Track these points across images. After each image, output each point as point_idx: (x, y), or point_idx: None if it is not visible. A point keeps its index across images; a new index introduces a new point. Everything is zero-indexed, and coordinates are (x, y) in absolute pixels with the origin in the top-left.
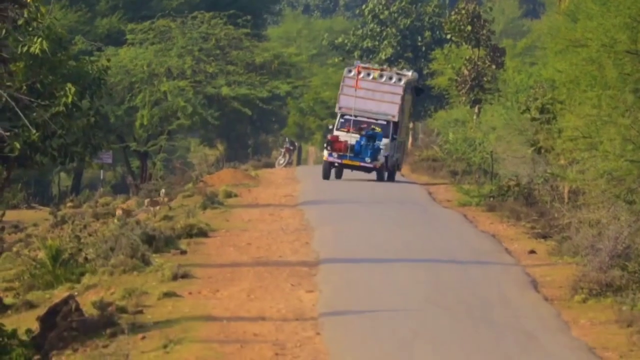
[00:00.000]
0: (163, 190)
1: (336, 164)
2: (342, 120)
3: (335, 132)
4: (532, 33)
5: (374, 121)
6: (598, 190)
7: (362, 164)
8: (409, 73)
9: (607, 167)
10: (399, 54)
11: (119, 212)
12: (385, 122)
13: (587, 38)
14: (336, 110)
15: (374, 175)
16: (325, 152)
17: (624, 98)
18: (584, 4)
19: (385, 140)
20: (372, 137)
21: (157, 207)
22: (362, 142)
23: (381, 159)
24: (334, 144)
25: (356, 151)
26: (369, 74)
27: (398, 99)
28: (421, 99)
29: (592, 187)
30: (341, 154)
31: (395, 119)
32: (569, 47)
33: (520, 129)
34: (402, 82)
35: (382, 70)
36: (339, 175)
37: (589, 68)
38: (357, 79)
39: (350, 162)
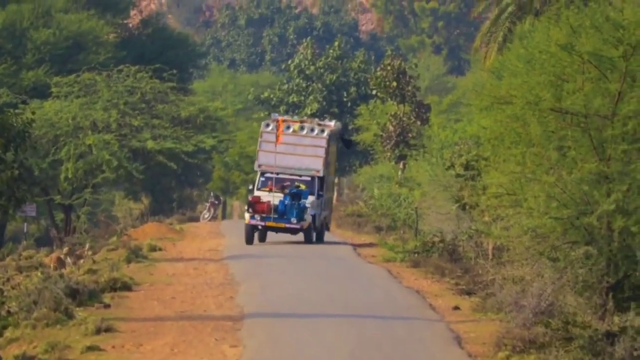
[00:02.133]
0: (87, 245)
1: (259, 227)
2: (263, 178)
3: (257, 193)
4: (457, 90)
5: (297, 178)
6: (522, 247)
7: (287, 225)
8: (332, 123)
9: (531, 224)
10: (325, 109)
11: (52, 262)
12: (309, 178)
13: (512, 95)
14: (255, 168)
15: (301, 236)
16: (247, 215)
17: (548, 155)
18: (509, 62)
19: (311, 198)
20: (297, 196)
21: (81, 261)
22: (287, 202)
23: (308, 218)
24: (255, 206)
25: (280, 212)
26: (288, 127)
27: (322, 152)
28: (347, 152)
29: (516, 244)
30: (264, 215)
31: (320, 174)
32: (493, 104)
33: (445, 185)
34: (325, 134)
35: (302, 122)
36: (262, 239)
37: (514, 125)
38: (279, 133)
39: (274, 224)
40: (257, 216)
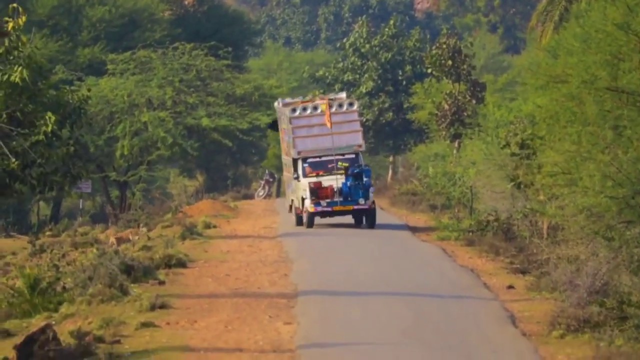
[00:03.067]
0: (142, 227)
1: (325, 213)
2: (306, 165)
3: (309, 180)
4: (512, 68)
5: (340, 157)
6: (577, 226)
7: (355, 207)
8: (343, 95)
9: (587, 203)
10: (380, 87)
11: (112, 239)
12: (353, 155)
13: (568, 74)
14: (294, 156)
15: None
16: (308, 203)
17: (604, 135)
18: (565, 41)
19: (370, 175)
20: (359, 175)
21: (136, 237)
22: (350, 183)
23: (372, 197)
24: (318, 192)
25: (345, 194)
26: (315, 108)
27: (357, 125)
28: (402, 133)
29: (571, 223)
30: (329, 200)
31: (363, 148)
32: (549, 83)
33: (500, 164)
34: (355, 106)
35: (311, 100)
36: (310, 224)
37: (569, 104)
38: (329, 114)
39: (342, 208)
40: (322, 202)
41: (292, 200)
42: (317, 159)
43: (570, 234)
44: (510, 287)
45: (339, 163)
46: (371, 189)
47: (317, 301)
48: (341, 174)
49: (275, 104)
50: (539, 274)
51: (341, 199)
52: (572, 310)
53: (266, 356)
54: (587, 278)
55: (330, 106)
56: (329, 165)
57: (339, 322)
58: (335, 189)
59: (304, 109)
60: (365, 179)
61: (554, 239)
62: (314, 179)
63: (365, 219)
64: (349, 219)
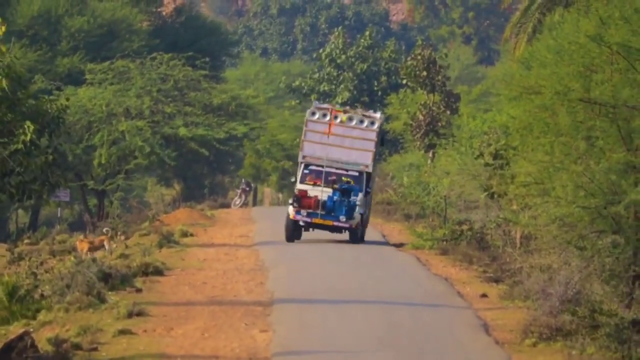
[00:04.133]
0: (106, 229)
1: (302, 223)
2: (307, 171)
3: (300, 186)
4: (486, 80)
5: (344, 172)
6: (550, 235)
7: (335, 223)
8: (378, 115)
9: (559, 213)
10: (356, 97)
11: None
12: (357, 173)
13: (541, 85)
14: (299, 159)
15: (341, 236)
16: (291, 209)
17: (577, 145)
18: (538, 52)
19: (359, 195)
20: (347, 192)
21: (113, 245)
22: (336, 198)
23: (357, 217)
24: (302, 200)
25: (328, 208)
26: (336, 117)
27: (372, 146)
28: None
29: (544, 233)
30: (310, 211)
31: (369, 169)
32: (522, 94)
33: (474, 174)
34: (376, 126)
35: (345, 111)
36: (297, 236)
37: (543, 115)
38: (331, 123)
39: (321, 222)
40: (303, 211)
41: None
42: (319, 168)
43: (543, 243)
44: (484, 295)
45: (343, 178)
46: (358, 209)
47: (293, 309)
48: (329, 187)
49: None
50: (512, 283)
51: (323, 212)
52: (544, 318)
53: None
54: (560, 287)
55: (350, 119)
56: (329, 177)
57: (315, 330)
58: (319, 201)
59: (324, 115)
60: (352, 197)
61: (526, 248)
62: (303, 187)
63: (349, 235)
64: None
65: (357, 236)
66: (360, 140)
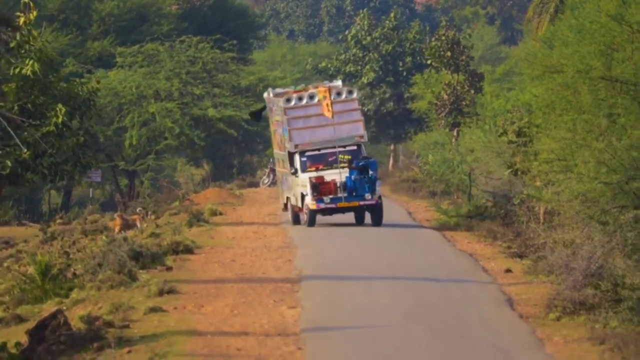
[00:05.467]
0: (139, 209)
1: (327, 210)
2: (304, 158)
3: (306, 175)
4: (509, 59)
5: (341, 149)
6: (572, 211)
7: (361, 202)
8: (339, 83)
9: (582, 189)
10: (381, 78)
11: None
12: (355, 147)
13: (563, 64)
14: (291, 149)
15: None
16: (310, 200)
17: (598, 122)
18: (560, 32)
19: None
20: (364, 168)
21: (144, 224)
22: (354, 177)
23: (379, 191)
24: (320, 187)
25: (350, 189)
26: (311, 97)
27: (358, 115)
28: (403, 122)
29: (567, 208)
30: (332, 196)
31: (365, 139)
32: (545, 72)
33: (498, 152)
34: (355, 94)
35: (304, 90)
36: (312, 222)
37: (565, 93)
38: (326, 103)
39: (347, 204)
40: (325, 199)
41: (288, 198)
42: (317, 152)
43: (566, 218)
44: (508, 270)
45: (340, 156)
46: (378, 183)
47: (321, 286)
48: (344, 167)
49: (265, 94)
50: (536, 258)
51: (345, 195)
52: (568, 292)
53: (271, 339)
54: (583, 261)
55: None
56: (330, 159)
57: (342, 306)
58: (338, 184)
59: (299, 98)
60: (371, 172)
61: (550, 224)
62: (315, 174)
63: (371, 216)
64: (349, 217)
65: (381, 214)
66: (345, 113)
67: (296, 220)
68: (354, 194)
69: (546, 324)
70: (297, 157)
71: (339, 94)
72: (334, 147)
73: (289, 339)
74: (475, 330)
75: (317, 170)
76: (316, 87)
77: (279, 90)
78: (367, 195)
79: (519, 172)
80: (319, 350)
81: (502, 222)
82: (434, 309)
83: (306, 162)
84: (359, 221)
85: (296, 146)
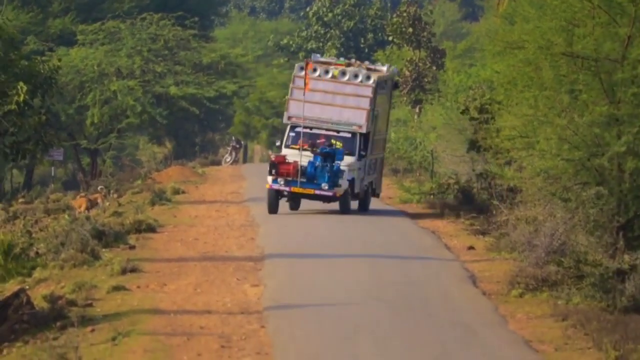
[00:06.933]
0: (100, 187)
1: (285, 193)
2: (293, 134)
3: (284, 151)
4: (471, 35)
5: (334, 134)
6: (535, 188)
7: (317, 191)
8: (384, 68)
9: (544, 166)
10: (342, 54)
11: (82, 205)
12: (349, 135)
13: (524, 40)
14: (284, 120)
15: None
16: (269, 178)
17: (560, 99)
18: (521, 8)
19: (348, 159)
20: (329, 156)
21: (106, 203)
22: (317, 163)
23: (343, 184)
24: (279, 167)
25: (309, 175)
26: (327, 72)
27: (366, 103)
28: None
29: (529, 185)
30: (289, 179)
31: (363, 130)
32: (506, 49)
33: (460, 129)
34: (371, 81)
35: (348, 65)
36: (294, 206)
37: (526, 69)
38: (307, 77)
39: (301, 190)
40: (280, 180)
41: None
42: (307, 130)
43: (529, 195)
44: (471, 248)
45: (332, 141)
46: (345, 175)
47: (283, 264)
48: (311, 151)
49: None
50: (499, 235)
51: (303, 180)
52: (530, 269)
53: (234, 318)
54: (545, 238)
55: (344, 73)
56: (318, 141)
57: (305, 284)
58: (298, 167)
59: (315, 69)
60: (336, 162)
61: (512, 201)
62: (286, 152)
63: (340, 205)
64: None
65: (347, 206)
66: (353, 97)
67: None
68: (315, 181)
69: (509, 301)
70: (287, 130)
71: (356, 75)
72: (327, 130)
73: (252, 317)
74: (438, 308)
75: (300, 149)
76: (359, 65)
77: (321, 59)
78: (324, 185)
79: (481, 149)
80: (282, 328)
81: (464, 199)
82: (397, 287)
83: (295, 137)
84: (342, 209)
85: (289, 118)
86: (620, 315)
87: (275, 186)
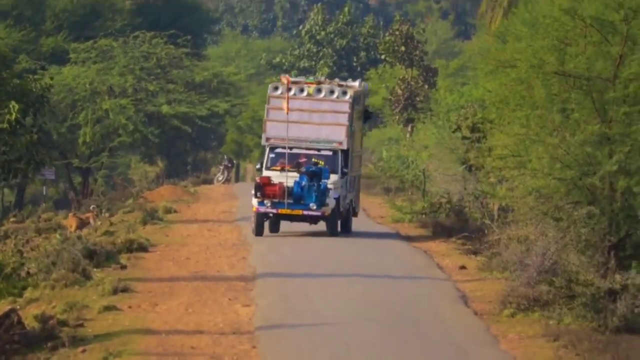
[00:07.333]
0: (92, 207)
1: (270, 215)
2: (273, 155)
3: (266, 172)
4: (463, 54)
5: (315, 152)
6: (526, 207)
7: (305, 212)
8: (356, 83)
9: (536, 185)
10: (335, 73)
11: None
12: (330, 152)
13: (517, 59)
14: (263, 142)
15: (322, 226)
16: (254, 201)
17: (552, 118)
18: (514, 26)
19: (333, 177)
20: (315, 175)
21: (98, 222)
22: (303, 183)
23: (331, 203)
24: (264, 188)
25: (296, 195)
26: (302, 90)
27: (344, 119)
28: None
29: (521, 204)
30: (276, 201)
31: (344, 146)
32: (498, 67)
33: (452, 148)
34: (348, 96)
35: (318, 83)
36: (274, 229)
37: (518, 88)
38: (287, 97)
39: (289, 212)
40: (267, 202)
41: None
42: (288, 151)
43: (520, 214)
44: (463, 267)
45: (313, 159)
46: (331, 194)
47: (275, 283)
48: (297, 172)
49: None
50: (490, 255)
51: (290, 201)
52: (522, 289)
53: (226, 338)
54: (537, 258)
55: (319, 91)
56: (299, 161)
57: (297, 304)
58: (284, 188)
59: (289, 89)
60: (323, 181)
61: (504, 220)
62: (268, 173)
63: (328, 226)
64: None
65: (335, 226)
66: (331, 114)
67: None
68: (300, 202)
69: (501, 321)
70: (266, 152)
71: (332, 92)
72: (307, 149)
73: (244, 337)
74: (430, 328)
75: (281, 170)
76: (330, 82)
77: (297, 79)
78: (312, 205)
79: (473, 168)
80: (273, 348)
81: (456, 218)
82: (389, 307)
83: (275, 159)
84: (331, 232)
85: (268, 139)
86: (612, 335)
87: (262, 209)
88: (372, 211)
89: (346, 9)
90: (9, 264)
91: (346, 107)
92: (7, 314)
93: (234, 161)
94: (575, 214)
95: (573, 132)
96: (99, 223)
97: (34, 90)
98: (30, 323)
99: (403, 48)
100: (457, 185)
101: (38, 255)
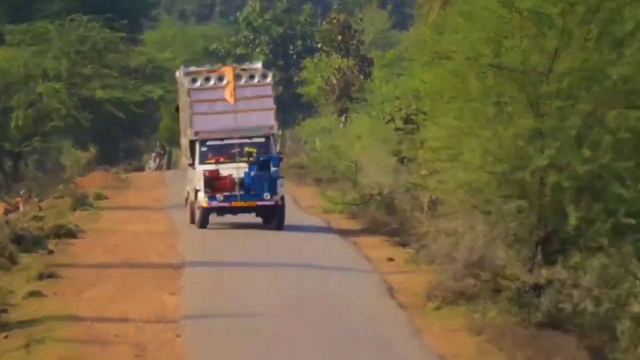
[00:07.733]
0: (22, 191)
1: (221, 209)
2: (205, 148)
3: (203, 167)
4: (400, 44)
5: (247, 141)
6: (456, 200)
7: (259, 203)
8: (259, 65)
9: (467, 178)
10: (271, 61)
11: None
12: (262, 139)
13: (453, 51)
14: (190, 137)
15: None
16: (202, 196)
17: (486, 110)
18: (450, 18)
19: (279, 165)
20: (265, 164)
21: (27, 207)
22: (253, 173)
23: (281, 191)
24: (215, 182)
25: (247, 187)
26: (220, 79)
27: (270, 103)
28: (291, 107)
29: (451, 198)
30: (227, 194)
31: (275, 130)
32: (434, 59)
33: (385, 139)
34: (269, 79)
35: (219, 70)
36: (204, 224)
37: (453, 80)
38: (230, 87)
39: (243, 204)
40: (219, 196)
41: (188, 192)
42: (219, 142)
43: (450, 208)
44: (390, 259)
45: (245, 148)
46: (280, 181)
47: (203, 272)
48: (246, 162)
49: (177, 73)
50: (418, 247)
51: (242, 193)
52: (448, 282)
53: (150, 326)
54: (464, 251)
55: (239, 77)
56: (233, 151)
57: (224, 294)
58: (235, 180)
59: (207, 79)
60: (273, 169)
61: (434, 213)
62: (212, 167)
63: (273, 218)
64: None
65: (283, 216)
66: (256, 100)
67: (193, 218)
68: (252, 192)
69: (425, 314)
70: (196, 147)
71: (252, 77)
72: (239, 138)
73: (169, 326)
74: (354, 320)
75: (216, 163)
76: (231, 68)
77: (192, 69)
78: (266, 195)
79: (405, 160)
80: (198, 338)
81: (386, 210)
82: (314, 297)
83: (207, 152)
84: (267, 221)
85: (196, 133)
86: (535, 330)
87: (214, 203)
88: (303, 202)
89: None
90: None
91: (269, 91)
92: None
93: (167, 148)
94: (504, 207)
95: (506, 126)
96: (27, 208)
97: None
98: None
99: (340, 37)
100: (389, 177)
101: None
